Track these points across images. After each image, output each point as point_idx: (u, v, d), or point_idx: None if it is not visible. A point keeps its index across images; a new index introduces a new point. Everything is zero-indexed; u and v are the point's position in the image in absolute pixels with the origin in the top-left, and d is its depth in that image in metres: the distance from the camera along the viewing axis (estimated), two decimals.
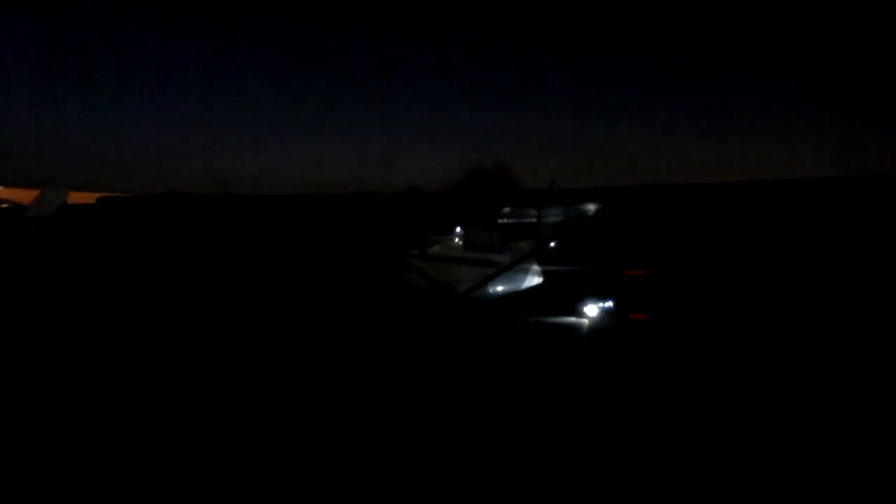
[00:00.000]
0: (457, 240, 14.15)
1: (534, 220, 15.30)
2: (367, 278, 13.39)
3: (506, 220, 15.73)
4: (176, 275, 17.58)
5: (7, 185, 28.35)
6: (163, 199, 18.29)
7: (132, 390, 9.94)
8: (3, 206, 25.26)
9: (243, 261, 16.68)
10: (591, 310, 13.93)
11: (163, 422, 8.40)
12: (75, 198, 22.34)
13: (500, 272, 14.05)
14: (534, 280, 15.21)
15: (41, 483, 6.34)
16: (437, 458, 6.82)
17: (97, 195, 20.47)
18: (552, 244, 15.69)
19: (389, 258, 13.32)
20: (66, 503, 6.09)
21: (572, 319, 13.57)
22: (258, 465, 6.91)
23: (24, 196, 23.65)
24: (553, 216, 15.68)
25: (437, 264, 13.50)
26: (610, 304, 13.98)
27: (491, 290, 13.90)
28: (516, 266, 14.50)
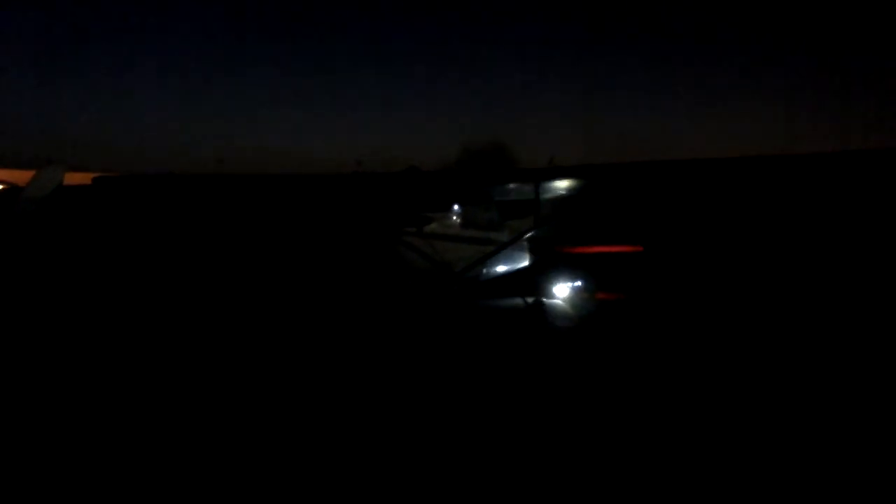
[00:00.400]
0: (454, 217, 14.11)
1: (532, 197, 15.23)
2: (365, 258, 13.36)
3: (504, 198, 15.65)
4: (172, 255, 17.54)
5: (3, 166, 28.21)
6: (158, 178, 18.21)
7: (132, 373, 9.97)
8: (0, 187, 25.14)
9: (241, 241, 16.63)
10: (562, 290, 14.04)
11: (160, 403, 8.43)
12: (72, 178, 22.21)
13: (497, 250, 14.02)
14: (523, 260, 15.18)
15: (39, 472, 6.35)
16: (428, 443, 6.79)
17: (94, 175, 20.35)
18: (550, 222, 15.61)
19: (386, 236, 13.29)
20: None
21: (545, 300, 13.77)
22: (252, 445, 6.93)
23: (21, 177, 23.52)
24: (551, 193, 15.60)
25: (435, 242, 13.48)
26: (578, 283, 14.09)
27: (485, 269, 13.89)
28: (514, 245, 14.47)
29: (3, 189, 24.67)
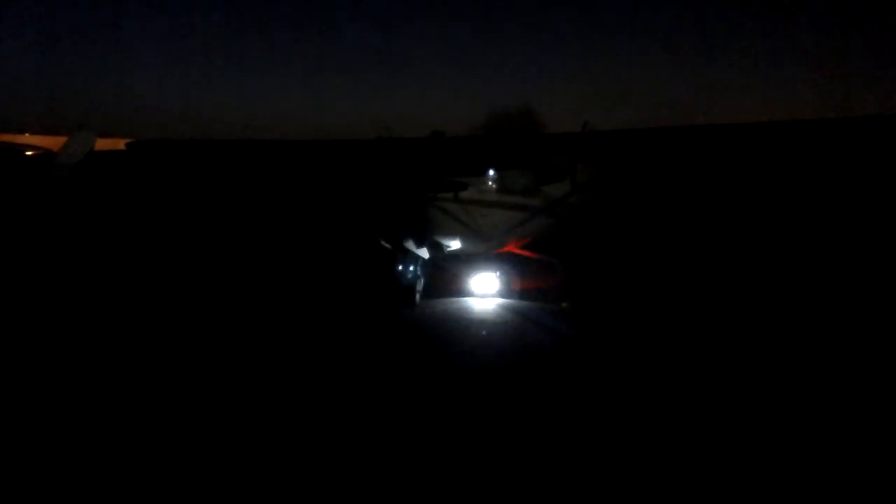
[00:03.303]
0: (490, 183, 13.95)
1: (567, 162, 15.01)
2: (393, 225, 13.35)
3: (537, 163, 15.43)
4: (205, 220, 17.62)
5: (36, 132, 28.42)
6: (192, 143, 18.21)
7: (167, 338, 10.05)
8: (33, 152, 25.37)
9: (270, 206, 16.63)
10: (487, 280, 14.41)
11: (190, 365, 8.53)
12: (102, 144, 22.30)
13: (533, 216, 13.90)
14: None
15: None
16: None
17: (125, 141, 20.39)
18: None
19: (420, 202, 13.20)
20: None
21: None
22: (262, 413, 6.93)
23: (53, 143, 23.70)
24: (586, 158, 15.36)
25: (471, 208, 13.36)
26: (498, 273, 14.45)
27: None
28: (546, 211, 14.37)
29: (36, 155, 24.91)
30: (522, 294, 14.18)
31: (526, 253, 14.83)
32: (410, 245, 13.21)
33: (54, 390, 7.38)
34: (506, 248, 14.79)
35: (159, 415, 6.65)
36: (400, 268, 13.30)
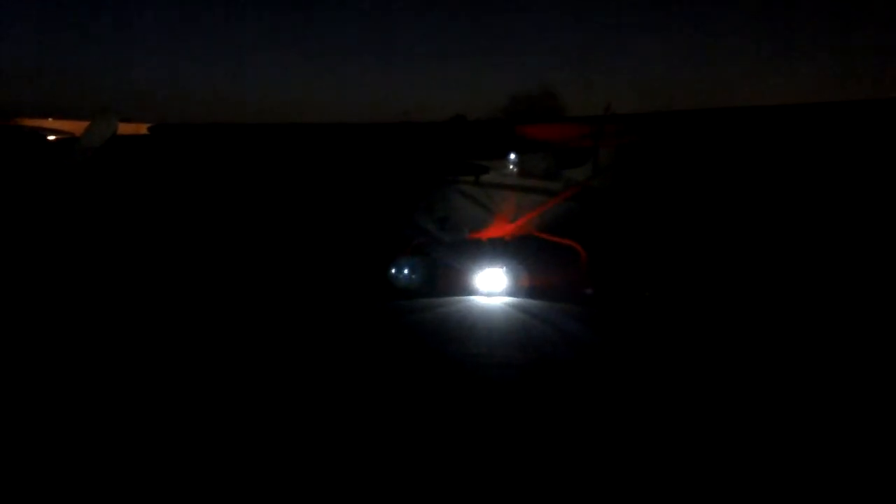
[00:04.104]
0: (511, 167, 13.92)
1: (589, 146, 14.92)
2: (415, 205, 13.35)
3: (559, 147, 15.37)
4: (226, 204, 17.71)
5: (58, 116, 28.63)
6: (216, 127, 18.31)
7: (188, 319, 10.15)
8: (56, 137, 25.55)
9: (294, 189, 16.69)
10: (494, 276, 13.33)
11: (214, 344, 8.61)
12: (125, 129, 22.44)
13: (555, 200, 13.86)
14: None
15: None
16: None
17: (147, 125, 20.54)
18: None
19: (442, 186, 13.20)
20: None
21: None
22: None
23: (75, 127, 23.85)
24: (608, 142, 15.26)
25: (493, 192, 13.35)
26: (506, 269, 13.33)
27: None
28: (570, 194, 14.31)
29: (59, 139, 25.09)
30: (535, 291, 13.03)
31: (545, 236, 14.64)
32: (431, 231, 13.23)
33: (70, 371, 7.48)
34: (525, 231, 14.43)
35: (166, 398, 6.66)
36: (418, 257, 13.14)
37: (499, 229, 13.73)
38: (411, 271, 12.69)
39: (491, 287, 13.14)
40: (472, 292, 13.04)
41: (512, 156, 13.86)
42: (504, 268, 13.22)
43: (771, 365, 7.84)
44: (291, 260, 13.95)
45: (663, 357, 8.21)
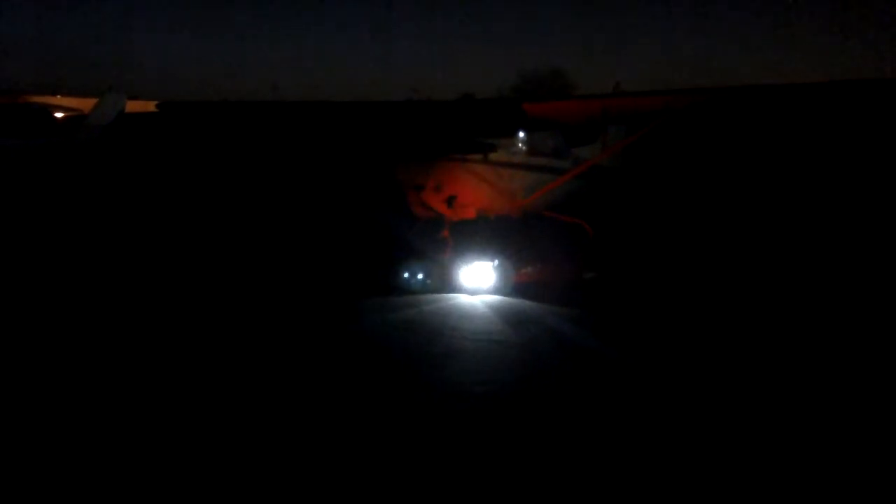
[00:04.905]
0: (520, 144, 13.84)
1: (597, 124, 14.82)
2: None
3: (568, 125, 15.27)
4: (233, 182, 17.75)
5: (66, 93, 28.67)
6: (223, 105, 18.28)
7: (201, 296, 10.20)
8: (64, 114, 25.62)
9: (303, 166, 16.70)
10: (481, 271, 11.97)
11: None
12: (133, 106, 22.49)
13: (562, 179, 13.77)
14: None
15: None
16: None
17: (155, 102, 20.58)
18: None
19: (449, 164, 13.14)
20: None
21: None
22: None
23: (84, 104, 23.94)
24: (616, 120, 15.15)
25: (500, 170, 13.29)
26: (496, 262, 11.99)
27: None
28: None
29: (67, 116, 25.16)
30: (530, 288, 11.81)
31: (553, 214, 14.51)
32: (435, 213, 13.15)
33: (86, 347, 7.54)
34: (532, 209, 14.11)
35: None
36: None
37: (505, 207, 13.65)
38: (424, 275, 12.24)
39: (479, 284, 11.93)
40: (458, 289, 11.94)
41: (521, 134, 13.78)
42: (495, 262, 12.02)
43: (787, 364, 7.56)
44: (295, 243, 13.94)
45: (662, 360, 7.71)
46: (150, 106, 22.25)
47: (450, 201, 13.11)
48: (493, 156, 13.29)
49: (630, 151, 14.11)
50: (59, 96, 29.93)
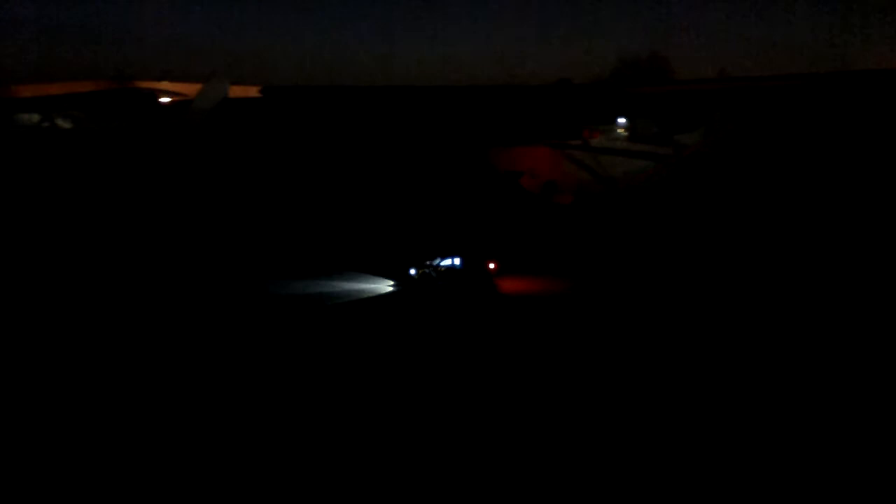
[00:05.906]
0: (620, 130, 13.61)
1: (701, 110, 14.39)
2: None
3: (671, 111, 14.88)
4: (333, 162, 18.15)
5: (173, 79, 29.89)
6: (325, 89, 18.70)
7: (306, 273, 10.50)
8: (170, 99, 26.72)
9: (406, 147, 16.90)
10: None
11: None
12: (236, 91, 23.25)
13: (664, 166, 13.46)
14: None
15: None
16: None
17: (257, 88, 21.24)
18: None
19: (551, 149, 13.08)
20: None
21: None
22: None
23: (189, 89, 24.88)
24: (722, 106, 14.65)
25: (601, 156, 13.11)
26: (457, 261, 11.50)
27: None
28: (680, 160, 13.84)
29: (173, 101, 26.24)
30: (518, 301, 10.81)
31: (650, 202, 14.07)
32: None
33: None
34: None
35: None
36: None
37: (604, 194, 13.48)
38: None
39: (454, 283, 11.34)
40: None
41: (621, 119, 13.55)
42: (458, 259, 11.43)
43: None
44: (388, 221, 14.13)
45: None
46: (252, 91, 22.97)
47: (547, 187, 13.04)
48: (592, 142, 13.13)
49: (736, 138, 13.63)
50: (165, 82, 31.19)
